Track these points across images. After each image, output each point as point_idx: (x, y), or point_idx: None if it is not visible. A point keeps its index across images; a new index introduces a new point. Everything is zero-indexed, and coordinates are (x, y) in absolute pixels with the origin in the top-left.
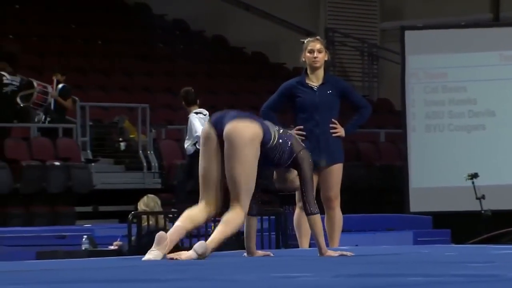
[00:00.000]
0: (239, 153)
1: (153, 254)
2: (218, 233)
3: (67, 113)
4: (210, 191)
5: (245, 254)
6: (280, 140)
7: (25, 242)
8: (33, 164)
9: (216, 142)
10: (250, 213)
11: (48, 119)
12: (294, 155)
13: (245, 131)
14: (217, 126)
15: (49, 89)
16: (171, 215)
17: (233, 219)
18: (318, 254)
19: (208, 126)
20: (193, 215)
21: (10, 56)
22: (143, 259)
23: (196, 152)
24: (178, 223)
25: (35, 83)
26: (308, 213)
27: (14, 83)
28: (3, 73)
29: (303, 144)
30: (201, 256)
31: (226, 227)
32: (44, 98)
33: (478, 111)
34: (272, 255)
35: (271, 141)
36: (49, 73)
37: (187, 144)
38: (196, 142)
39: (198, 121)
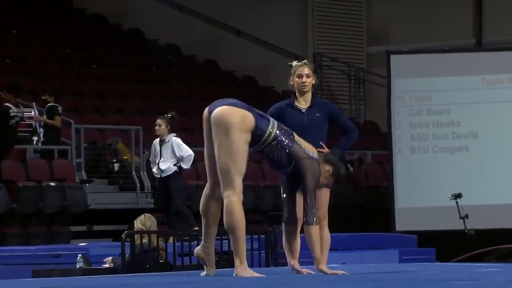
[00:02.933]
0: (224, 139)
1: (210, 271)
2: (233, 241)
3: (60, 131)
4: (215, 173)
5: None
6: (275, 141)
7: (22, 261)
8: (29, 185)
9: (209, 127)
10: (287, 221)
11: (41, 139)
12: (293, 162)
13: (232, 115)
14: (211, 109)
15: (32, 113)
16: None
17: (229, 209)
18: (314, 266)
19: (206, 110)
20: (213, 214)
21: (14, 88)
22: (202, 274)
23: (180, 169)
24: (209, 231)
25: (14, 109)
26: (305, 223)
27: (19, 114)
28: (9, 105)
29: (312, 155)
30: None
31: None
32: (28, 123)
33: (462, 133)
34: (312, 272)
35: (264, 136)
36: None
37: (167, 164)
38: (179, 162)
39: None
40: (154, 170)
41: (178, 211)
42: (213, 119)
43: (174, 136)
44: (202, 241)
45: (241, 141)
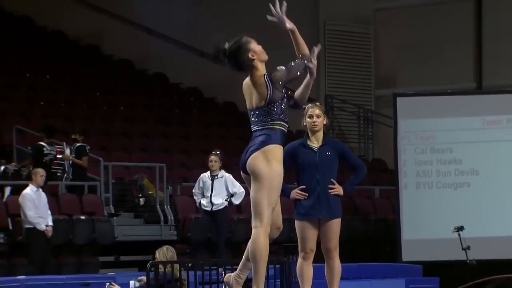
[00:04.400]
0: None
1: None
2: (253, 269)
3: (86, 170)
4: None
5: None
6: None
7: None
8: (61, 218)
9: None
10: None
11: (70, 177)
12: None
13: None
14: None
15: (65, 151)
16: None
17: (254, 239)
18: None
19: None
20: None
21: (48, 128)
22: None
23: (230, 204)
24: (248, 264)
25: (47, 148)
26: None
27: (52, 152)
28: (43, 144)
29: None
30: None
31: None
32: (59, 162)
33: (463, 170)
34: None
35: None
36: (74, 134)
37: (220, 200)
38: (229, 197)
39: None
40: (204, 202)
41: (219, 245)
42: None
43: (226, 172)
44: (238, 270)
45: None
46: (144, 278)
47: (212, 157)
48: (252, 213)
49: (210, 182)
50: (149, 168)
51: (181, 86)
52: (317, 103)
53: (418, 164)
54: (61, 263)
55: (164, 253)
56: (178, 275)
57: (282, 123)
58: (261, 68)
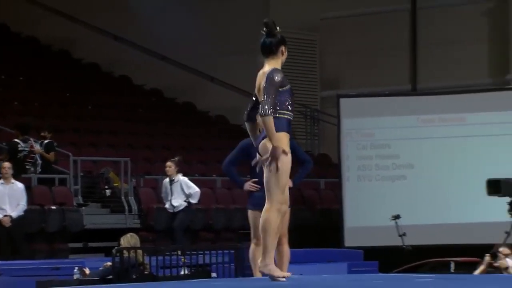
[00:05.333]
0: None
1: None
2: (263, 241)
3: (54, 164)
4: None
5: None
6: None
7: (27, 273)
8: (33, 208)
9: None
10: None
11: (39, 170)
12: None
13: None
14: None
15: (35, 146)
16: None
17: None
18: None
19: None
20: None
21: (22, 126)
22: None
23: (189, 204)
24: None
25: (21, 144)
26: (261, 114)
27: (26, 149)
28: (18, 140)
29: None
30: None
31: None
32: (32, 155)
33: (400, 164)
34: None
35: None
36: (43, 132)
37: (179, 201)
38: (188, 198)
39: None
40: (167, 206)
41: (177, 234)
42: None
43: (181, 175)
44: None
45: None
46: (109, 263)
47: (168, 163)
48: (266, 194)
49: (169, 187)
50: (115, 162)
51: (144, 88)
52: None
53: (359, 159)
54: (34, 249)
55: (129, 240)
56: (141, 260)
57: (287, 112)
58: (278, 64)
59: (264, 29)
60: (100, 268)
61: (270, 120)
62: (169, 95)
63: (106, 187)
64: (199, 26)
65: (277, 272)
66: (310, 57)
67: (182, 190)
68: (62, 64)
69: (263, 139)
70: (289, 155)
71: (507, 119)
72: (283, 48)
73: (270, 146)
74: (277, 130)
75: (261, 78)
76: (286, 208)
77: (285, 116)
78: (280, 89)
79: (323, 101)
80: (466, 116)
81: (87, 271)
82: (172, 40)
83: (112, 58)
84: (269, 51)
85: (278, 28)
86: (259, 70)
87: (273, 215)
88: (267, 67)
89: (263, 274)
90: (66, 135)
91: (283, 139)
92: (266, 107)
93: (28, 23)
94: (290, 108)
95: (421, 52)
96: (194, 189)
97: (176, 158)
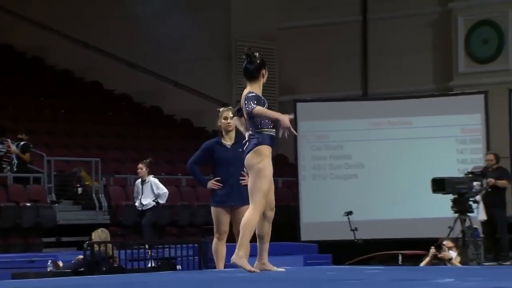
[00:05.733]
0: None
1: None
2: (240, 236)
3: (29, 164)
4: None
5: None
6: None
7: (3, 266)
8: (9, 205)
9: None
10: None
11: (15, 169)
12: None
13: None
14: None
15: (12, 147)
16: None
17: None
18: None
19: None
20: (267, 233)
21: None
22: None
23: (157, 204)
24: (264, 246)
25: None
26: (251, 114)
27: (2, 150)
28: None
29: None
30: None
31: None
32: (8, 155)
33: (352, 164)
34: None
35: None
36: (20, 134)
37: (147, 200)
38: (156, 198)
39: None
40: (137, 204)
41: (145, 230)
42: None
43: (153, 176)
44: (258, 257)
45: None
46: (81, 256)
47: (140, 165)
48: (250, 199)
49: (141, 186)
50: (86, 162)
51: (114, 93)
52: (230, 107)
53: (314, 159)
54: (10, 244)
55: (99, 234)
56: (111, 253)
57: (268, 129)
58: (258, 88)
59: (245, 57)
60: (73, 261)
61: (259, 108)
62: (137, 100)
63: (78, 185)
64: (165, 35)
65: (247, 266)
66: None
67: (152, 190)
68: (36, 71)
69: (246, 153)
70: (270, 164)
71: (449, 122)
72: (263, 71)
73: (254, 161)
74: (262, 144)
75: (242, 100)
76: (271, 213)
77: (268, 133)
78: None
79: (281, 105)
80: (412, 119)
81: (60, 263)
82: (140, 48)
83: (84, 65)
84: (251, 76)
85: (257, 54)
86: (220, 76)
87: (255, 217)
88: (246, 90)
89: (236, 266)
90: (40, 136)
91: (265, 151)
92: (250, 105)
93: (4, 31)
94: (271, 126)
95: (371, 60)
96: (163, 190)
97: (147, 160)
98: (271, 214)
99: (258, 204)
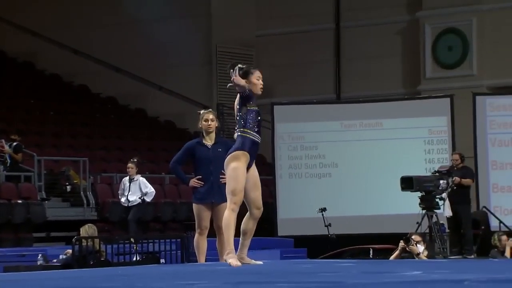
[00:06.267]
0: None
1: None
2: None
3: (21, 163)
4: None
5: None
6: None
7: None
8: (1, 202)
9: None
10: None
11: (8, 168)
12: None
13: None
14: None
15: (5, 147)
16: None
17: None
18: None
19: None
20: (251, 230)
21: None
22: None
23: (143, 201)
24: (245, 243)
25: None
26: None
27: None
28: None
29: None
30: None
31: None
32: (1, 155)
33: (326, 163)
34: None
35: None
36: (12, 134)
37: (134, 197)
38: (143, 196)
39: None
40: (123, 200)
41: (131, 226)
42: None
43: (141, 176)
44: (239, 251)
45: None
46: (70, 251)
47: (129, 165)
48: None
49: (128, 184)
50: (74, 161)
51: (100, 96)
52: (210, 110)
53: (290, 159)
54: (2, 239)
55: (87, 230)
56: (98, 247)
57: (252, 132)
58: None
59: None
60: (62, 257)
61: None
62: (123, 102)
63: (67, 183)
64: (150, 41)
65: (233, 262)
66: None
67: (139, 189)
68: (27, 75)
69: (227, 155)
70: (244, 168)
71: (417, 124)
72: (250, 77)
73: (228, 164)
74: (240, 149)
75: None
76: (258, 212)
77: (250, 137)
78: (248, 108)
79: (259, 108)
80: (383, 121)
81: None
82: (126, 54)
83: (72, 70)
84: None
85: (242, 66)
86: (202, 80)
87: (229, 216)
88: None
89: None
90: (30, 137)
91: (240, 156)
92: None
93: None
94: (256, 130)
95: (344, 65)
96: (151, 189)
97: (135, 159)
98: (257, 212)
99: (229, 203)
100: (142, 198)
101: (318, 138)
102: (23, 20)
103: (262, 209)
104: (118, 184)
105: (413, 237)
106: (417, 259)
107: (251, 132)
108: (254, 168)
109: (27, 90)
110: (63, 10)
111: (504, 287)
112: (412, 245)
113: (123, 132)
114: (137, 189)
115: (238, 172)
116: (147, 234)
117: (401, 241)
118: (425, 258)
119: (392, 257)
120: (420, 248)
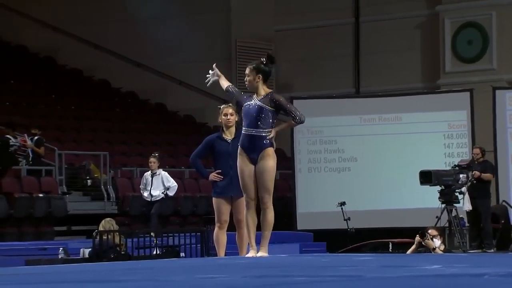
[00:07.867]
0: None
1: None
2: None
3: (43, 157)
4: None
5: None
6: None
7: (17, 253)
8: (23, 196)
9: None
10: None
11: (30, 162)
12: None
13: None
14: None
15: (28, 141)
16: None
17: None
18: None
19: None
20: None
21: (13, 124)
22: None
23: (166, 196)
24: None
25: (13, 140)
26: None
27: (16, 144)
28: (9, 136)
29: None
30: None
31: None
32: (23, 149)
33: (345, 157)
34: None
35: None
36: (34, 129)
37: (157, 192)
38: (165, 190)
39: None
40: (145, 195)
41: (152, 220)
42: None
43: (163, 170)
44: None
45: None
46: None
47: (151, 159)
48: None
49: (151, 178)
50: (95, 156)
51: (121, 90)
52: (230, 104)
53: (309, 153)
54: (23, 232)
55: (103, 225)
56: (118, 241)
57: (245, 127)
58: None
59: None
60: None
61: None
62: (143, 97)
63: (87, 177)
64: (170, 37)
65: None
66: None
67: (162, 183)
68: (48, 70)
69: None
70: (242, 165)
71: (437, 118)
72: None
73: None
74: (239, 145)
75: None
76: (265, 207)
77: (243, 131)
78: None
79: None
80: (402, 116)
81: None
82: (146, 49)
83: (93, 65)
84: (268, 77)
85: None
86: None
87: (245, 212)
88: (268, 90)
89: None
90: (51, 132)
91: (240, 152)
92: (298, 113)
93: (18, 33)
94: (245, 124)
95: (363, 60)
96: (173, 183)
97: (157, 154)
98: (264, 207)
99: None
100: (165, 192)
101: (337, 132)
102: (44, 15)
103: (254, 200)
104: (139, 178)
105: (429, 231)
106: (433, 253)
107: (244, 127)
108: (261, 160)
109: (48, 85)
110: (83, 5)
111: None
112: (428, 239)
113: (143, 126)
114: (159, 183)
115: (239, 169)
116: (167, 228)
117: (417, 235)
118: (441, 253)
119: (408, 252)
120: (437, 242)
